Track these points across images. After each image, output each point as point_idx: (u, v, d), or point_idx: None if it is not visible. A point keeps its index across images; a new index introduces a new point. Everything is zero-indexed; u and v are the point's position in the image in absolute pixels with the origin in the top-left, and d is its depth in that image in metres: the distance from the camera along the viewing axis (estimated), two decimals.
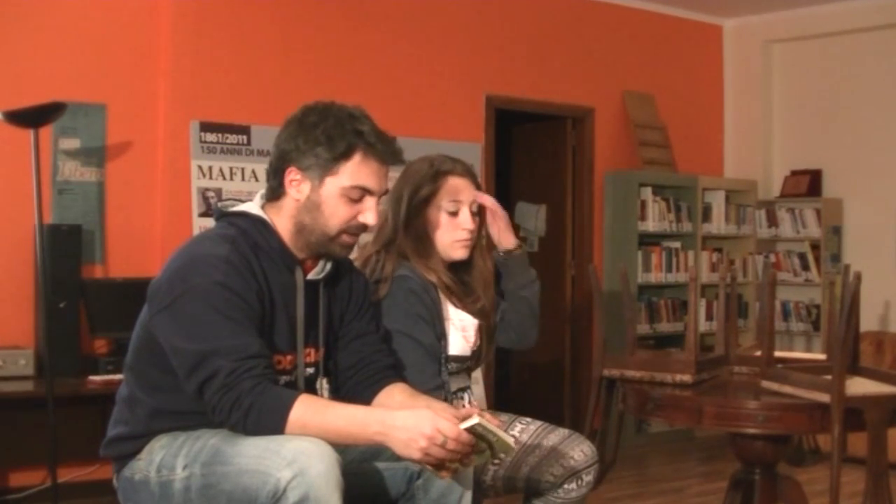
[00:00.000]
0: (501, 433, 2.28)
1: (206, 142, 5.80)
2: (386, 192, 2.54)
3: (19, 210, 5.25)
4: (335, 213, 2.45)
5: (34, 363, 5.12)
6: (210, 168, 5.81)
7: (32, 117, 4.91)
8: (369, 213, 2.47)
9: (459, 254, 2.98)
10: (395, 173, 2.70)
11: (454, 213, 2.96)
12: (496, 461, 2.96)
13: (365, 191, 2.46)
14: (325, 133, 2.43)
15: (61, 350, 5.06)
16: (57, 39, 5.46)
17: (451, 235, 2.95)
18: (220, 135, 5.83)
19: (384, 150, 2.46)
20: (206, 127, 5.79)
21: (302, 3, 6.19)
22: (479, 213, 3.03)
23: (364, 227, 2.50)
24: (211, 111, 5.80)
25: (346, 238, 2.48)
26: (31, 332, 5.29)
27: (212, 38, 5.85)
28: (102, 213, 5.58)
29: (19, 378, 5.04)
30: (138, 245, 5.61)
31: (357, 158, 2.44)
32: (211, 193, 5.78)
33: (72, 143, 5.49)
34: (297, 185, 2.46)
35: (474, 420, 2.23)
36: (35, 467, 5.17)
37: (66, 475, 5.19)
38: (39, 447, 4.91)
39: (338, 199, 2.44)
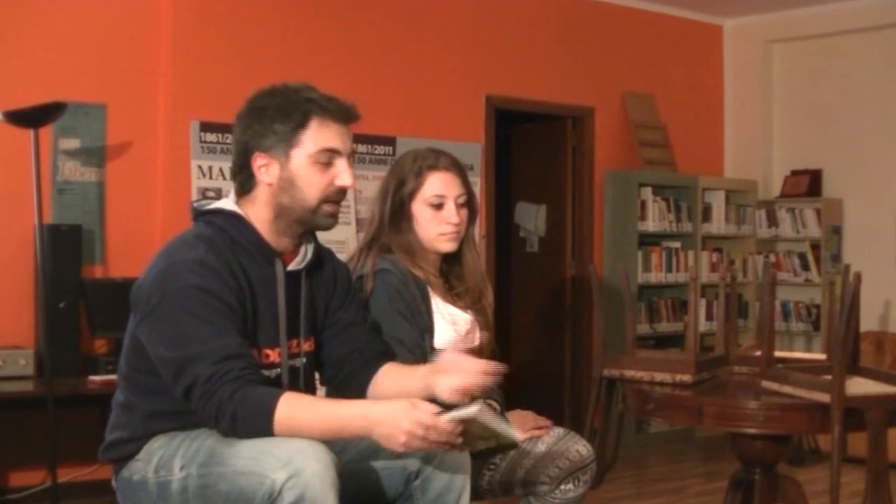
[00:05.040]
0: (504, 428, 2.25)
1: (206, 142, 5.80)
2: (353, 152, 2.53)
3: (19, 210, 5.25)
4: (311, 183, 2.45)
5: (34, 363, 5.12)
6: (210, 168, 5.81)
7: (32, 117, 4.91)
8: (343, 175, 2.47)
9: (446, 246, 2.96)
10: (382, 171, 2.69)
11: (439, 207, 2.94)
12: (494, 463, 2.95)
13: (332, 152, 2.46)
14: (277, 109, 2.44)
15: (61, 350, 5.07)
16: (57, 39, 5.46)
17: (437, 229, 2.94)
18: (220, 135, 5.82)
19: (337, 108, 2.47)
20: (206, 127, 5.79)
21: (302, 4, 6.19)
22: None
23: (342, 192, 2.49)
24: (211, 111, 5.80)
25: (327, 207, 2.48)
26: (31, 332, 5.29)
27: (212, 38, 5.85)
28: (102, 213, 5.58)
29: (19, 378, 5.04)
30: (138, 245, 5.59)
31: (315, 123, 2.45)
32: (211, 193, 5.77)
33: (72, 143, 5.49)
34: (266, 169, 2.46)
35: (471, 410, 2.20)
36: (35, 467, 5.17)
37: (66, 475, 5.18)
38: (39, 447, 4.91)
39: (309, 168, 2.45)
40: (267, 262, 2.48)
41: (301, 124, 2.44)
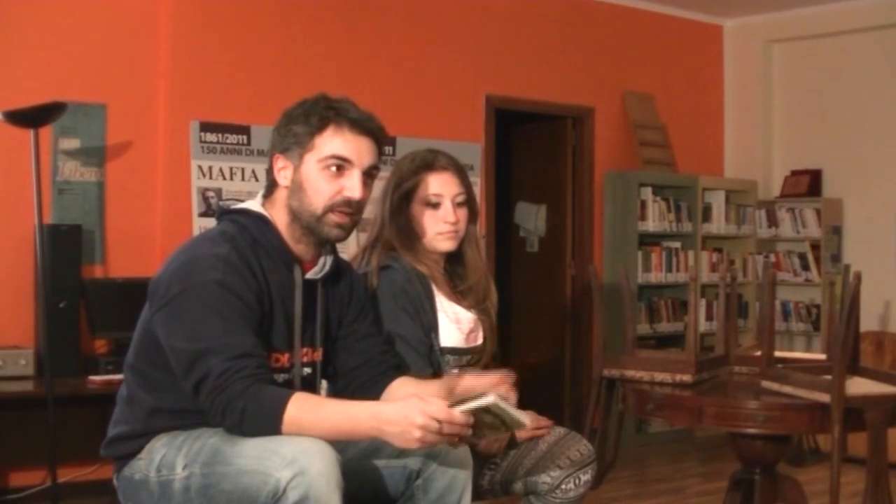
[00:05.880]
0: (515, 413, 2.25)
1: (206, 142, 5.79)
2: (373, 167, 2.50)
3: (19, 210, 5.25)
4: (318, 190, 2.44)
5: (34, 363, 5.12)
6: (210, 168, 5.81)
7: (32, 117, 4.91)
8: (353, 187, 2.45)
9: (445, 245, 2.97)
10: (383, 172, 2.69)
11: (436, 206, 2.95)
12: (495, 462, 2.96)
13: (342, 160, 2.45)
14: (302, 113, 2.47)
15: (61, 350, 5.06)
16: (57, 39, 5.46)
17: (434, 228, 2.95)
18: (220, 135, 5.83)
19: (358, 119, 2.46)
20: (206, 127, 5.79)
21: (302, 4, 6.19)
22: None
23: (350, 203, 2.45)
24: (211, 111, 5.80)
25: (333, 217, 2.45)
26: (31, 332, 5.29)
27: (212, 38, 5.85)
28: (102, 213, 5.57)
29: (19, 378, 5.04)
30: (138, 245, 5.61)
31: (330, 130, 2.45)
32: (211, 193, 5.78)
33: (72, 143, 5.49)
34: (284, 172, 2.48)
35: (489, 399, 2.20)
36: (35, 467, 5.17)
37: (66, 475, 5.18)
38: (39, 447, 4.91)
39: (318, 173, 2.45)
40: (286, 267, 2.48)
41: (318, 129, 2.45)
